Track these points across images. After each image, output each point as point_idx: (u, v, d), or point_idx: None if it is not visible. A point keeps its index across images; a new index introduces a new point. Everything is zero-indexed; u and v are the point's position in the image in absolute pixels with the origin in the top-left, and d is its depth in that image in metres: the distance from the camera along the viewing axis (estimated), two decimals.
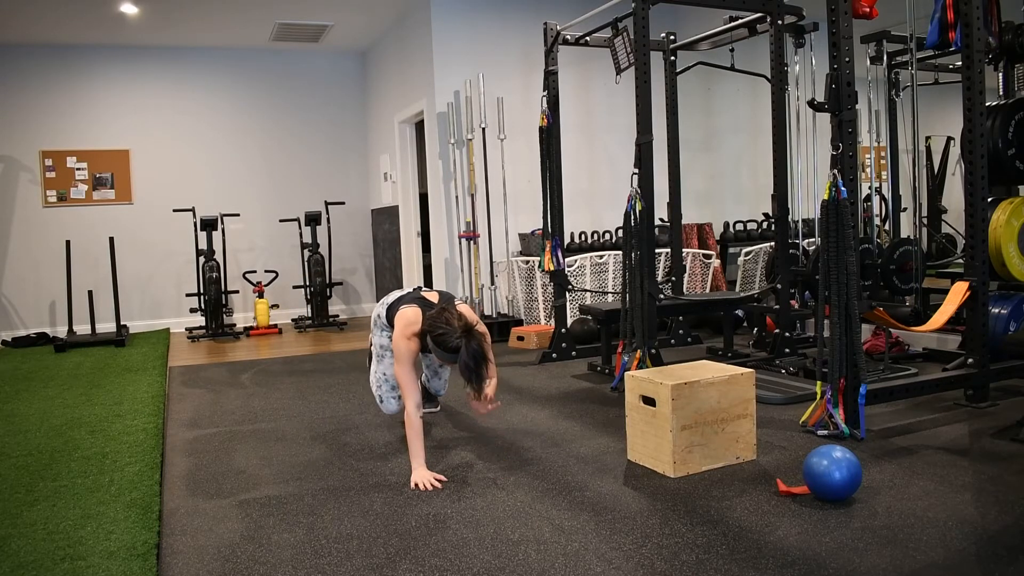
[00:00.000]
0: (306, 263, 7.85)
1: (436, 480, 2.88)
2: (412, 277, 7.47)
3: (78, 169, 7.69)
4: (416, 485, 2.86)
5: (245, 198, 8.23)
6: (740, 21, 4.95)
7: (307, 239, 7.98)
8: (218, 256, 7.59)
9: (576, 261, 6.11)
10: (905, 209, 5.47)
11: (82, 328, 7.44)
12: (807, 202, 5.73)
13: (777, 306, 4.91)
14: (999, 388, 3.93)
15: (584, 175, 6.90)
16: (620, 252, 5.59)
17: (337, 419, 3.99)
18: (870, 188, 5.23)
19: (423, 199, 7.37)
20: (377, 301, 8.55)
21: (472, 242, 6.49)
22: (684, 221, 6.13)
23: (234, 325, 7.89)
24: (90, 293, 7.36)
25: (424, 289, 3.32)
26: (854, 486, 2.56)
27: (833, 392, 3.27)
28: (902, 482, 2.73)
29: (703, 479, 2.86)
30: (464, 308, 3.09)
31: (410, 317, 3.06)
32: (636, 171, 4.25)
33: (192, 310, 7.43)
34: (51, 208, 7.65)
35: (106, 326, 7.52)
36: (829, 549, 2.23)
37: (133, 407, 4.39)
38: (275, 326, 7.61)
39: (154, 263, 7.96)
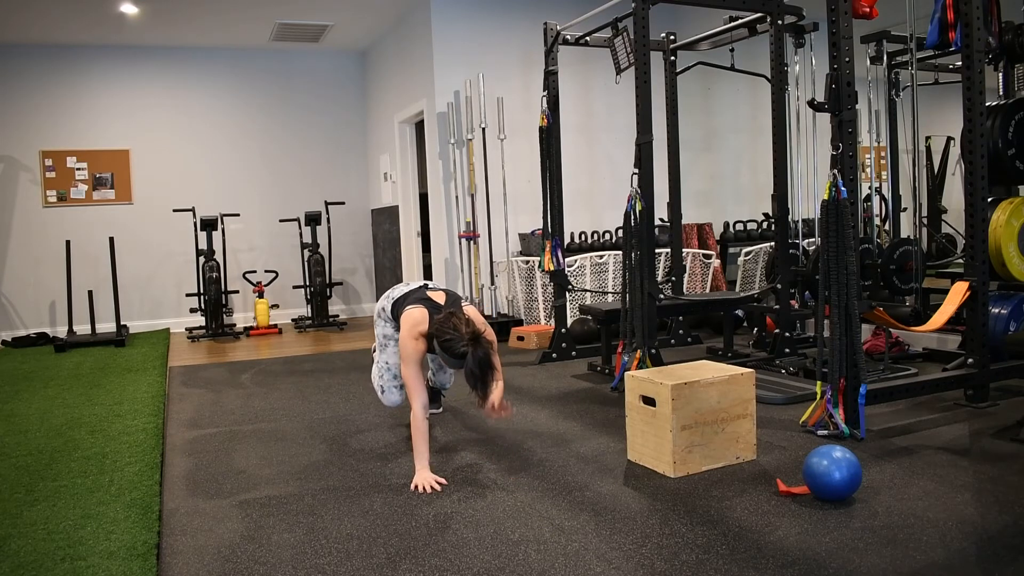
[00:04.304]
0: (306, 263, 7.85)
1: (437, 483, 2.88)
2: (412, 277, 7.47)
3: (78, 169, 7.69)
4: (417, 487, 2.86)
5: (245, 198, 8.23)
6: (740, 21, 4.95)
7: (307, 239, 7.98)
8: (218, 256, 7.59)
9: (576, 261, 6.11)
10: (905, 209, 5.47)
11: (82, 328, 7.44)
12: (807, 202, 5.73)
13: (777, 306, 4.91)
14: (999, 388, 3.93)
15: (584, 175, 6.90)
16: (620, 252, 5.59)
17: (337, 419, 3.99)
18: (870, 188, 5.23)
19: (423, 199, 7.37)
20: (377, 301, 8.60)
21: (472, 242, 6.49)
22: (684, 221, 6.13)
23: (234, 325, 7.89)
24: (90, 293, 7.36)
25: (430, 287, 3.29)
26: (854, 486, 2.56)
27: (833, 392, 3.27)
28: (902, 482, 2.73)
29: (703, 479, 2.86)
30: (471, 311, 3.07)
31: (417, 318, 3.06)
32: (636, 171, 4.25)
33: (192, 310, 7.44)
34: (51, 208, 7.65)
35: (106, 326, 7.52)
36: (829, 549, 2.23)
37: (133, 407, 4.40)
38: (275, 326, 7.61)
39: (154, 263, 7.96)
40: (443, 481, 2.90)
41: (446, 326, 2.89)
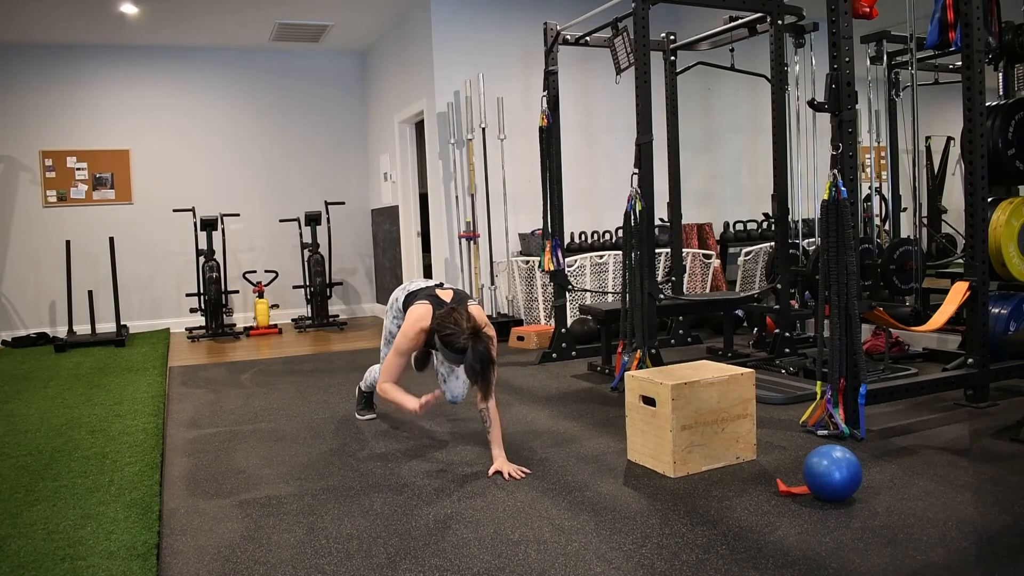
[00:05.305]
0: (306, 263, 7.85)
1: (427, 400, 2.99)
2: (412, 277, 7.47)
3: (78, 169, 7.69)
4: (414, 410, 3.01)
5: (245, 198, 8.23)
6: (740, 21, 4.95)
7: (307, 239, 7.98)
8: (218, 256, 7.59)
9: (576, 261, 6.11)
10: (905, 209, 5.47)
11: (82, 328, 7.43)
12: (807, 202, 5.73)
13: (777, 306, 4.91)
14: (999, 388, 3.93)
15: (584, 175, 6.90)
16: (620, 252, 5.59)
17: (337, 419, 3.99)
18: (870, 188, 5.23)
19: (423, 199, 7.37)
20: (377, 301, 8.62)
21: (472, 242, 6.49)
22: (684, 221, 6.13)
23: (234, 325, 7.89)
24: (90, 293, 7.36)
25: (442, 287, 3.35)
26: (854, 486, 2.56)
27: (833, 392, 3.27)
28: (902, 482, 2.73)
29: (703, 479, 2.86)
30: (476, 309, 3.13)
31: (420, 313, 3.13)
32: (636, 171, 4.25)
33: (192, 310, 7.43)
34: (51, 208, 7.65)
35: (106, 326, 7.52)
36: (829, 549, 2.23)
37: (133, 407, 4.39)
38: (275, 326, 7.61)
39: (154, 263, 7.95)
40: (431, 399, 3.00)
41: (447, 321, 2.95)
